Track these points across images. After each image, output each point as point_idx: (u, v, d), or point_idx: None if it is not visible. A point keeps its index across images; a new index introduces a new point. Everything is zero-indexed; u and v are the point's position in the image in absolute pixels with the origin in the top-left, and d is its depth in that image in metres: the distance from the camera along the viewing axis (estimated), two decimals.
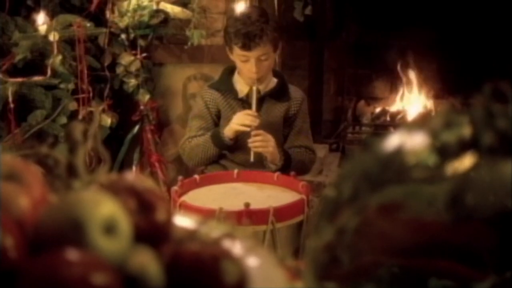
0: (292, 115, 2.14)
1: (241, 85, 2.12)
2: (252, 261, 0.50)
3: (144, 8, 2.66)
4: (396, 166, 0.47)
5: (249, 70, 2.03)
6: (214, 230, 0.52)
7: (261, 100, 2.10)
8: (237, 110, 2.10)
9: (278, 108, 2.12)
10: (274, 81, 2.14)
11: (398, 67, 3.58)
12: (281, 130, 2.15)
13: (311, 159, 2.16)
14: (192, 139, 2.14)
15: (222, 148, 2.10)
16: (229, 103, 2.13)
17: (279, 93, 2.13)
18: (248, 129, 2.01)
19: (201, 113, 2.16)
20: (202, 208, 1.68)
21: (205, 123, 2.15)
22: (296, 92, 2.19)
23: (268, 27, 2.00)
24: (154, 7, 2.68)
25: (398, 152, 0.47)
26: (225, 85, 2.14)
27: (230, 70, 2.17)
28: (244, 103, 2.10)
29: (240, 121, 2.02)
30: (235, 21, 2.05)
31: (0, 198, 0.46)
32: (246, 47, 1.99)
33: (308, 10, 2.75)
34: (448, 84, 3.49)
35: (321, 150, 3.15)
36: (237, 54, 2.04)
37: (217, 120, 2.16)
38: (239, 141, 2.10)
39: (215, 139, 2.07)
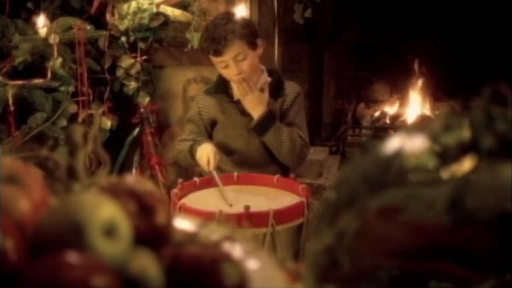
0: (285, 109, 2.13)
1: (236, 89, 2.13)
2: (252, 264, 0.50)
3: (144, 10, 2.66)
4: (395, 169, 0.47)
5: (232, 73, 2.03)
6: (214, 232, 0.52)
7: None
8: (231, 113, 2.13)
9: (273, 105, 2.11)
10: (268, 79, 2.14)
11: (398, 70, 3.59)
12: None
13: (302, 147, 2.11)
14: (183, 142, 2.16)
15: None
16: (224, 106, 2.14)
17: (274, 90, 2.13)
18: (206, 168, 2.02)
19: (194, 118, 2.18)
20: (202, 211, 1.68)
21: (197, 128, 2.17)
22: (291, 87, 2.18)
23: (232, 27, 2.00)
24: (154, 10, 2.68)
25: (398, 155, 0.47)
26: (220, 89, 2.16)
27: None
28: (239, 104, 2.11)
29: (200, 158, 2.02)
30: (203, 32, 2.07)
31: (0, 200, 0.46)
32: (217, 52, 1.99)
33: (308, 13, 2.75)
34: (448, 87, 3.49)
35: (321, 153, 3.15)
36: (216, 63, 2.05)
37: (210, 126, 2.17)
38: (234, 145, 2.11)
39: (190, 153, 2.09)
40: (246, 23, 2.08)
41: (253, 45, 2.05)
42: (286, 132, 2.06)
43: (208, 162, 1.98)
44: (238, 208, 1.68)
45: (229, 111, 2.13)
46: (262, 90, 2.10)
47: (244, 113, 2.10)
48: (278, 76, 2.18)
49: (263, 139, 2.07)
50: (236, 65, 2.01)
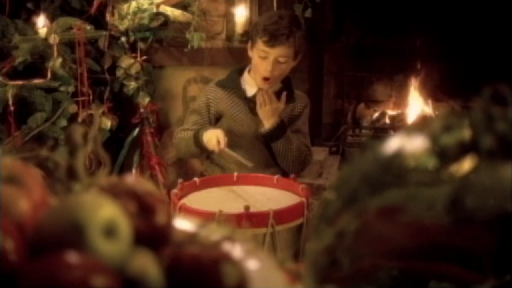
0: (294, 116, 2.16)
1: (249, 85, 2.13)
2: (252, 264, 0.50)
3: (144, 11, 2.66)
4: (395, 169, 0.47)
5: (264, 69, 2.03)
6: (214, 233, 0.52)
7: None
8: (242, 109, 2.13)
9: (283, 110, 2.12)
10: (279, 85, 2.15)
11: (398, 70, 3.59)
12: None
13: (307, 156, 2.15)
14: (184, 131, 2.15)
15: (203, 149, 2.08)
16: (234, 101, 2.13)
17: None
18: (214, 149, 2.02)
19: (200, 109, 2.17)
20: (202, 211, 1.68)
21: (201, 119, 2.16)
22: (301, 96, 2.22)
23: (297, 32, 2.02)
24: (154, 10, 2.68)
25: (398, 155, 0.47)
26: (232, 83, 2.16)
27: (239, 70, 2.18)
28: (250, 102, 2.11)
29: (209, 140, 2.02)
30: (267, 17, 2.08)
31: (0, 200, 0.46)
32: (269, 43, 1.99)
33: (308, 13, 2.75)
34: (448, 87, 3.49)
35: (321, 153, 3.15)
36: (257, 49, 2.03)
37: (214, 120, 2.16)
38: (239, 142, 2.11)
39: (195, 139, 2.07)
40: (306, 36, 2.11)
41: (296, 57, 2.08)
42: (295, 143, 2.09)
43: (218, 142, 1.98)
44: (238, 208, 1.68)
45: (239, 107, 2.13)
46: (277, 94, 2.10)
47: (254, 111, 2.10)
48: (289, 83, 2.19)
49: (271, 146, 2.09)
50: (273, 63, 2.02)
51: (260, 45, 2.02)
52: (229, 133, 2.09)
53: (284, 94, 2.10)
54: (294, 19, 2.07)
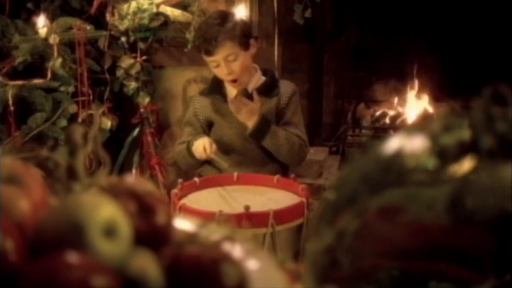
0: (281, 108, 2.15)
1: (230, 88, 2.14)
2: (252, 264, 0.50)
3: (144, 11, 2.66)
4: (396, 169, 0.47)
5: (222, 74, 2.07)
6: (214, 233, 0.52)
7: (250, 98, 2.11)
8: (227, 113, 2.14)
9: (268, 103, 2.13)
10: (262, 78, 2.15)
11: (398, 70, 3.59)
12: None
13: (301, 146, 2.12)
14: (181, 144, 2.18)
15: (197, 159, 2.10)
16: (218, 106, 2.16)
17: (268, 89, 2.14)
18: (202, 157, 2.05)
19: (191, 120, 2.20)
20: (202, 211, 1.68)
21: (194, 129, 2.19)
22: (286, 86, 2.19)
23: (223, 28, 2.02)
24: (154, 10, 2.68)
25: (398, 155, 0.47)
26: (214, 90, 2.18)
27: None
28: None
29: (197, 150, 2.05)
30: (197, 31, 2.12)
31: (0, 200, 0.46)
32: (208, 52, 2.03)
33: (308, 13, 2.75)
34: (448, 87, 3.49)
35: (321, 153, 3.15)
36: (208, 62, 2.08)
37: (207, 127, 2.19)
38: (231, 144, 2.12)
39: (188, 150, 2.10)
40: (239, 24, 2.09)
41: (245, 46, 2.06)
42: (283, 135, 2.07)
43: (205, 149, 1.99)
44: (238, 208, 1.68)
45: (224, 111, 2.14)
46: (261, 87, 2.11)
47: None
48: (272, 75, 2.20)
49: (261, 144, 2.09)
50: (226, 65, 2.03)
51: (206, 58, 2.07)
52: (221, 137, 2.11)
53: (255, 93, 2.10)
54: (216, 18, 2.06)
